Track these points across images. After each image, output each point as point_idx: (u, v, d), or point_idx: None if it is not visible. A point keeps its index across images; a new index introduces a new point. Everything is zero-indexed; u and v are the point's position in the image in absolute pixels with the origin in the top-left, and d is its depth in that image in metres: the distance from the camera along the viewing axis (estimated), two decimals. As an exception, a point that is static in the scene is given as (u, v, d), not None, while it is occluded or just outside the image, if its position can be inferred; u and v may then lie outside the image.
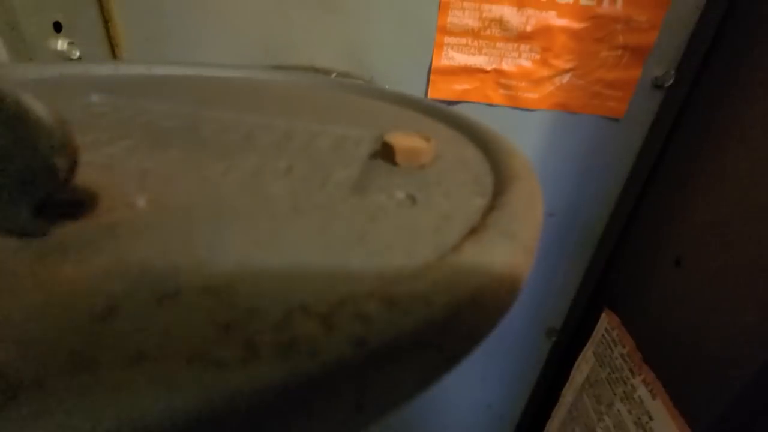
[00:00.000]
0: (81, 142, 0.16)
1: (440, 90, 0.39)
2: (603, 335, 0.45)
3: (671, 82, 0.36)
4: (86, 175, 0.12)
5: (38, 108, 0.07)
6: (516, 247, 0.10)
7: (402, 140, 0.17)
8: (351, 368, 0.06)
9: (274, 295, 0.08)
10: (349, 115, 0.26)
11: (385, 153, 0.17)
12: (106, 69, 0.29)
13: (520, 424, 0.63)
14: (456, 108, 0.35)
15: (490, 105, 0.40)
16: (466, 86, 0.39)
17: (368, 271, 0.09)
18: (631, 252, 0.44)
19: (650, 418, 0.35)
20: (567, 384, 0.51)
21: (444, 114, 0.27)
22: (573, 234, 0.46)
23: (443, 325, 0.07)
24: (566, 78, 0.38)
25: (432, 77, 0.39)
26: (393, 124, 0.24)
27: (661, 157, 0.40)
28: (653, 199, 0.41)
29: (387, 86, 0.39)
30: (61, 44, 0.39)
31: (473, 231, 0.11)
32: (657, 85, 0.37)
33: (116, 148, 0.16)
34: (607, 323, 0.44)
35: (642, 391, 0.37)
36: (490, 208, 0.13)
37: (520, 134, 0.40)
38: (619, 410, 0.40)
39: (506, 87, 0.39)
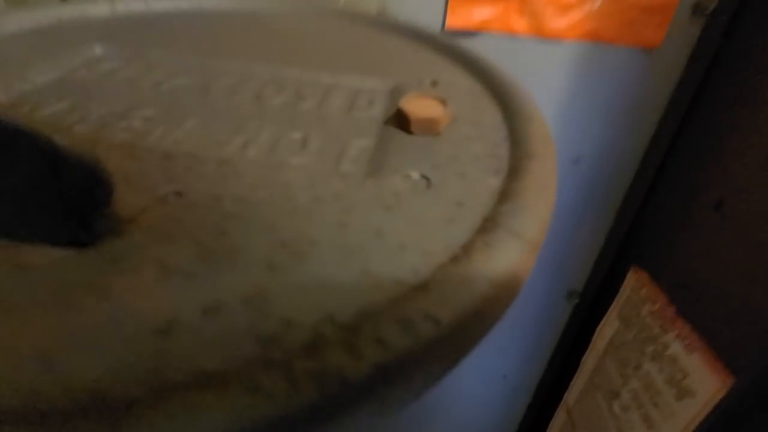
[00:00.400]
0: (99, 115, 0.17)
1: (459, 17, 0.36)
2: (629, 295, 0.43)
3: (713, 6, 0.33)
4: (114, 162, 0.13)
5: (76, 154, 0.08)
6: (522, 248, 0.11)
7: (417, 108, 0.17)
8: (372, 386, 0.07)
9: (303, 305, 0.09)
10: (360, 60, 0.25)
11: (400, 122, 0.17)
12: (103, 10, 0.27)
13: (536, 394, 0.61)
14: (474, 46, 0.33)
15: (513, 36, 0.37)
16: (486, 14, 0.36)
17: (385, 279, 0.10)
18: (665, 198, 0.41)
19: (685, 374, 0.34)
20: (588, 350, 0.50)
21: (462, 56, 0.25)
22: (601, 182, 0.43)
23: (449, 338, 0.09)
24: (597, 3, 0.34)
25: (450, 3, 0.35)
26: (408, 72, 0.23)
27: (701, 91, 0.37)
28: (691, 138, 0.38)
29: (401, 14, 0.36)
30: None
31: (483, 228, 0.11)
32: (698, 10, 0.33)
33: (134, 120, 0.17)
34: (634, 281, 0.43)
35: (675, 348, 0.36)
36: (503, 195, 0.13)
37: (546, 70, 0.38)
38: (648, 371, 0.39)
39: (531, 14, 0.35)
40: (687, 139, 0.39)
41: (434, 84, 0.22)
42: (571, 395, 0.54)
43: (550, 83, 0.38)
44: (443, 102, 0.18)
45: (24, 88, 0.18)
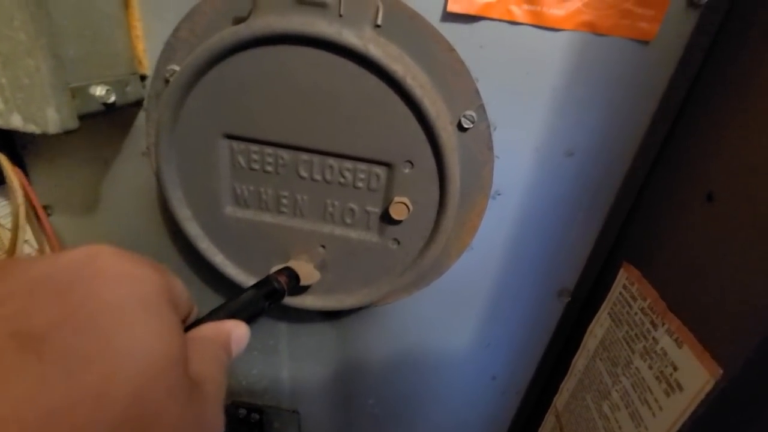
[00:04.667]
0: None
1: (460, 2, 0.37)
2: (620, 293, 0.43)
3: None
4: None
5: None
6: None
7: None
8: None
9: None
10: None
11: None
12: None
13: (526, 397, 0.59)
14: (474, 31, 0.33)
15: (512, 23, 0.38)
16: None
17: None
18: (658, 191, 0.41)
19: (675, 368, 0.34)
20: (578, 351, 0.49)
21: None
22: (593, 177, 0.43)
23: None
24: (595, -7, 0.35)
25: (453, -12, 0.37)
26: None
27: (695, 84, 0.38)
28: (685, 131, 0.39)
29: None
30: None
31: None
32: (692, 3, 0.34)
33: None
34: (625, 279, 0.42)
35: (665, 342, 0.36)
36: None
37: (543, 59, 0.38)
38: (638, 368, 0.39)
39: (531, 2, 0.37)
40: (682, 129, 0.39)
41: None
42: (561, 398, 0.53)
43: (548, 71, 0.39)
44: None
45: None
